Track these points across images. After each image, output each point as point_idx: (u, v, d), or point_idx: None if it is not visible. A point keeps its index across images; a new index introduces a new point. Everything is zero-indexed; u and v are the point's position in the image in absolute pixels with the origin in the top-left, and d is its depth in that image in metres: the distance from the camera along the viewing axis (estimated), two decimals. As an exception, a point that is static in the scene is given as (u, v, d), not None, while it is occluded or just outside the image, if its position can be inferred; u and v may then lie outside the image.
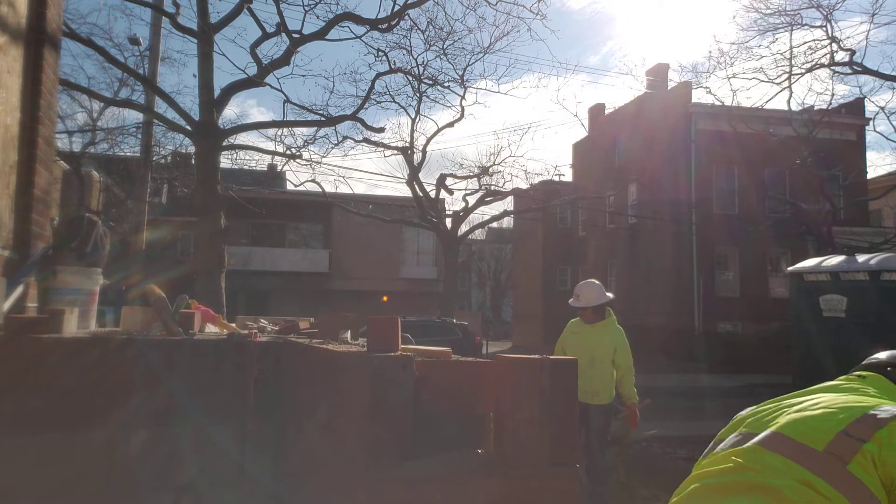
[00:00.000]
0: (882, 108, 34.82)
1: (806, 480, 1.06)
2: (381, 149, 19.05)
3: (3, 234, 3.13)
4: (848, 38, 53.99)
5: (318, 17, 17.17)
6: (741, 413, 1.39)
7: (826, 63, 17.39)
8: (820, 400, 1.25)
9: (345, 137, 18.18)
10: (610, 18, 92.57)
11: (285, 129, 15.61)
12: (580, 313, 5.43)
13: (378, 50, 14.70)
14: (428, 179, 59.24)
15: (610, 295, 5.41)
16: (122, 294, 9.76)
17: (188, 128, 10.99)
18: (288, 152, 15.51)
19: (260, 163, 24.49)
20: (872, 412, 1.15)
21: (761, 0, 17.99)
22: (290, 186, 24.42)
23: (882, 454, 1.08)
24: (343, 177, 73.16)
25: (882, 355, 1.41)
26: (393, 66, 14.69)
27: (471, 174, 23.47)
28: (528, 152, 73.58)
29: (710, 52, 70.08)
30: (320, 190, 20.19)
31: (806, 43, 19.01)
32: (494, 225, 36.31)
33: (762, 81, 18.70)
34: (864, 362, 1.43)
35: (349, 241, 28.72)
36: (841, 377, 1.41)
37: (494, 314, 52.45)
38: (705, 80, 30.63)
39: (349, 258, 28.73)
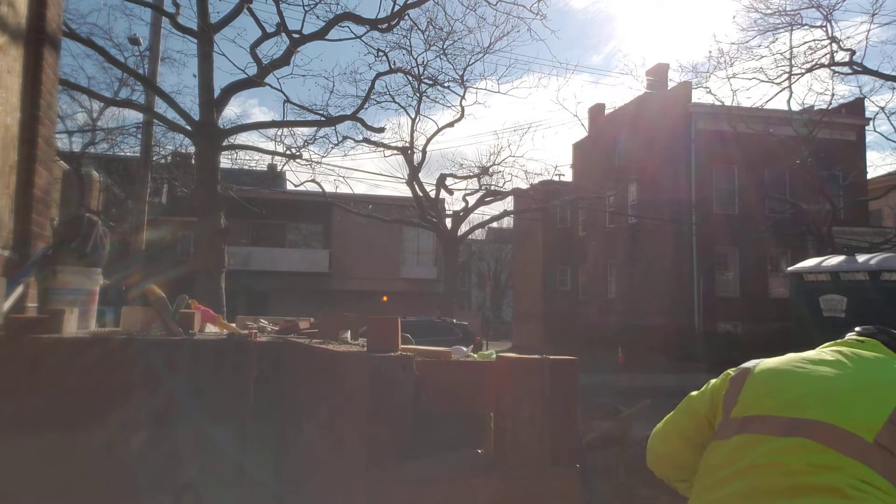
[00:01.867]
0: (882, 108, 34.82)
1: (861, 476, 1.09)
2: (381, 149, 19.05)
3: (3, 234, 3.12)
4: (848, 38, 53.94)
5: (318, 17, 17.07)
6: (746, 365, 1.44)
7: (826, 63, 17.40)
8: (845, 372, 1.28)
9: (345, 137, 18.16)
10: (611, 18, 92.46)
11: (285, 129, 15.61)
12: None
13: (378, 50, 14.66)
14: (428, 179, 59.10)
15: None
16: (122, 294, 9.75)
17: (188, 128, 11.00)
18: (288, 152, 15.52)
19: (260, 163, 24.45)
20: None
21: (761, 0, 18.01)
22: (290, 186, 24.41)
23: None
24: (343, 177, 73.21)
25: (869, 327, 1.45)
26: (393, 66, 14.69)
27: (471, 174, 23.49)
28: (528, 152, 73.72)
29: (710, 52, 70.13)
30: (320, 190, 20.19)
31: (806, 43, 18.96)
32: (494, 225, 36.30)
33: (762, 81, 18.71)
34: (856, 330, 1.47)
35: (349, 241, 28.71)
36: (836, 342, 1.45)
37: (494, 314, 52.45)
38: (705, 80, 30.45)
39: (349, 258, 28.73)
